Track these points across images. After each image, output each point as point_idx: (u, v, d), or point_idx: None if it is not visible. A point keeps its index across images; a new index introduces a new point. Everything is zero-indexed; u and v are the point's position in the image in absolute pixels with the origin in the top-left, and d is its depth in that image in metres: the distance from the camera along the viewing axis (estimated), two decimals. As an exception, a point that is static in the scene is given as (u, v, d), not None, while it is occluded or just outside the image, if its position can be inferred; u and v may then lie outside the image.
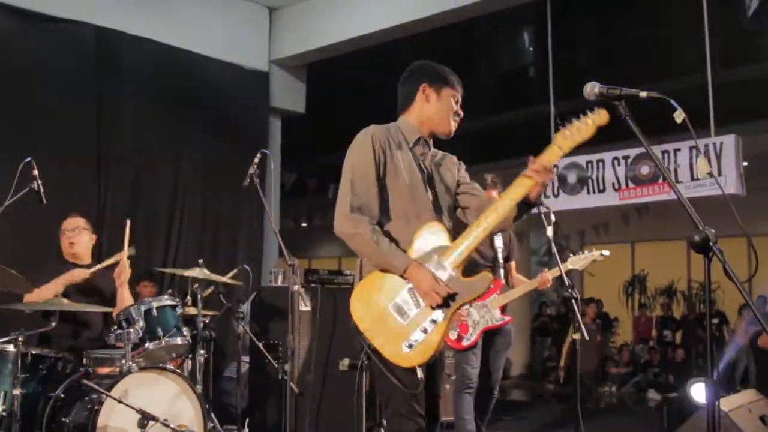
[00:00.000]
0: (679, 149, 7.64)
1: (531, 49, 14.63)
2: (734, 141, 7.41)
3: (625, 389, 14.55)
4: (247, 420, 6.93)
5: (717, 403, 2.60)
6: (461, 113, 3.78)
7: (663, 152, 7.74)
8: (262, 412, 6.71)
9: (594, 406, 12.82)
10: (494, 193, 5.94)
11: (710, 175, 2.80)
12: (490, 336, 6.39)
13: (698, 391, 5.94)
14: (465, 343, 6.30)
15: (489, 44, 16.24)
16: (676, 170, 7.65)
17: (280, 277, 6.75)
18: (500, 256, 6.45)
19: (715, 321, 14.06)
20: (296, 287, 5.88)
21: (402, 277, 3.42)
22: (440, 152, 3.87)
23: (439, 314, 3.38)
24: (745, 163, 12.68)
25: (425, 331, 3.36)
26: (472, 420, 6.33)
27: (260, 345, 6.43)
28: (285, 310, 5.98)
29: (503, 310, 6.39)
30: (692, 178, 7.50)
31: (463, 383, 6.33)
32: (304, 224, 20.77)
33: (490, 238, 6.38)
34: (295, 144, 12.01)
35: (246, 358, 7.06)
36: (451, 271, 3.42)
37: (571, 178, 8.43)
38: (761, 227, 17.00)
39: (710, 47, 8.14)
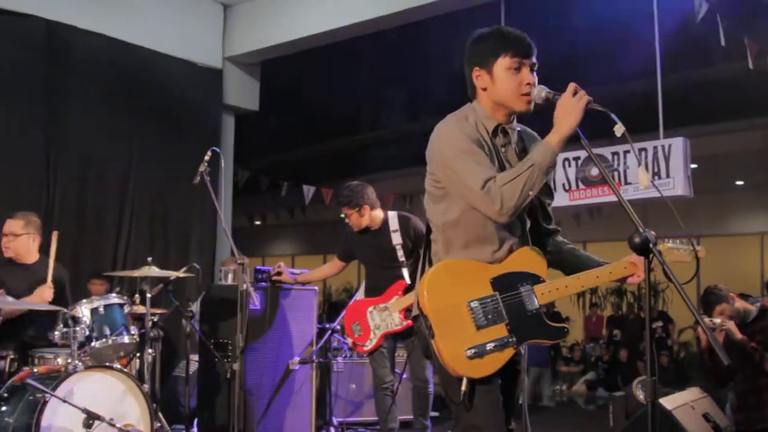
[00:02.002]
0: (628, 151, 7.72)
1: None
2: (683, 144, 7.52)
3: (576, 388, 14.69)
4: (195, 419, 6.90)
5: (656, 401, 2.64)
6: (532, 80, 3.16)
7: (613, 154, 7.82)
8: (210, 411, 6.67)
9: (544, 405, 12.93)
10: None
11: (652, 184, 2.81)
12: (404, 336, 6.28)
13: (642, 390, 6.02)
14: (366, 347, 6.27)
15: (447, 44, 16.28)
16: (625, 172, 7.74)
17: (230, 276, 6.72)
18: (399, 254, 6.31)
19: (659, 323, 14.26)
20: (246, 286, 5.86)
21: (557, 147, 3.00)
22: (528, 131, 3.42)
23: (510, 341, 3.03)
24: (695, 165, 12.94)
25: (495, 345, 2.99)
26: (394, 419, 6.33)
27: (209, 344, 6.40)
28: (234, 308, 5.94)
29: (406, 311, 6.15)
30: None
31: (376, 384, 6.34)
32: (257, 222, 20.68)
33: (388, 235, 6.36)
34: (248, 141, 11.95)
35: (195, 357, 7.02)
36: (537, 305, 3.13)
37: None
38: (710, 227, 17.30)
39: (661, 51, 8.25)
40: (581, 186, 7.96)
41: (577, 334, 17.39)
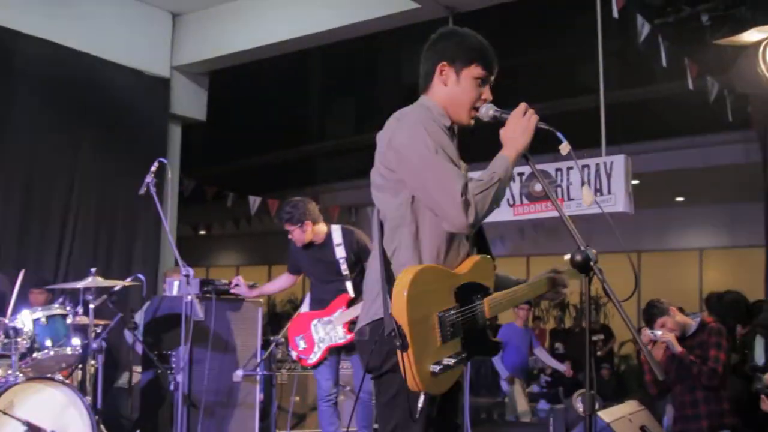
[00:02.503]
0: (571, 167, 7.84)
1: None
2: (624, 161, 7.65)
3: (518, 400, 14.80)
4: (138, 431, 6.84)
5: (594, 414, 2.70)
6: (489, 97, 3.17)
7: (557, 170, 7.92)
8: (153, 423, 6.62)
9: (486, 417, 13.01)
10: None
11: (595, 202, 2.90)
12: (349, 349, 6.28)
13: (581, 403, 6.12)
14: (310, 360, 6.29)
15: (394, 57, 16.41)
16: (568, 187, 7.84)
17: (175, 287, 6.69)
18: (343, 268, 6.31)
19: (601, 336, 14.44)
20: (190, 297, 5.84)
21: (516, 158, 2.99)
22: None
23: (463, 356, 2.92)
24: (636, 182, 13.18)
25: (455, 361, 2.86)
26: (336, 430, 6.36)
27: (153, 355, 6.36)
28: (179, 319, 5.92)
29: (349, 325, 6.19)
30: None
31: (320, 396, 6.35)
32: (202, 232, 20.53)
33: (332, 249, 6.39)
34: (195, 151, 11.91)
35: (138, 369, 6.97)
36: (485, 319, 3.04)
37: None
38: (650, 243, 17.61)
39: (605, 69, 8.41)
40: (525, 201, 8.06)
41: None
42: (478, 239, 3.27)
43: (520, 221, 8.75)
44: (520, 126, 3.02)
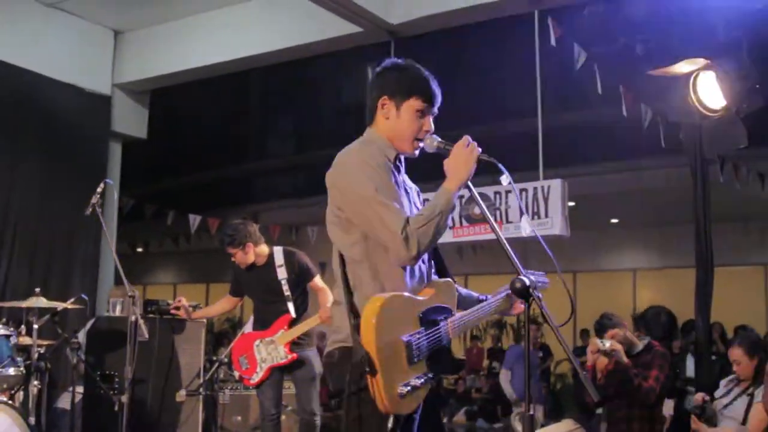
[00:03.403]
0: (510, 191, 8.01)
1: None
2: (560, 185, 7.84)
3: (456, 418, 14.94)
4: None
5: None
6: (431, 129, 3.31)
7: (495, 193, 8.08)
8: (95, 443, 6.60)
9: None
10: None
11: (534, 232, 3.02)
12: (291, 369, 6.38)
13: (519, 422, 6.24)
14: (253, 380, 6.34)
15: (336, 77, 16.51)
16: (506, 211, 8.01)
17: (118, 307, 6.68)
18: (285, 289, 6.39)
19: (539, 354, 14.64)
20: (134, 317, 5.85)
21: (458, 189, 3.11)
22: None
23: (429, 376, 3.03)
24: (572, 204, 13.44)
25: (422, 382, 2.99)
26: None
27: (96, 375, 6.35)
28: (122, 340, 5.92)
29: (291, 345, 6.31)
30: (521, 219, 7.90)
31: (263, 416, 6.38)
32: (140, 249, 20.35)
33: (273, 270, 6.45)
34: (135, 168, 11.85)
35: (81, 389, 6.93)
36: (448, 340, 3.17)
37: (411, 214, 8.69)
38: (586, 264, 17.94)
39: (543, 94, 8.62)
40: (465, 224, 8.21)
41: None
42: (435, 258, 3.40)
43: (459, 242, 8.90)
44: (462, 158, 3.14)
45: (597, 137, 12.64)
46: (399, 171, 3.33)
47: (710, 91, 6.69)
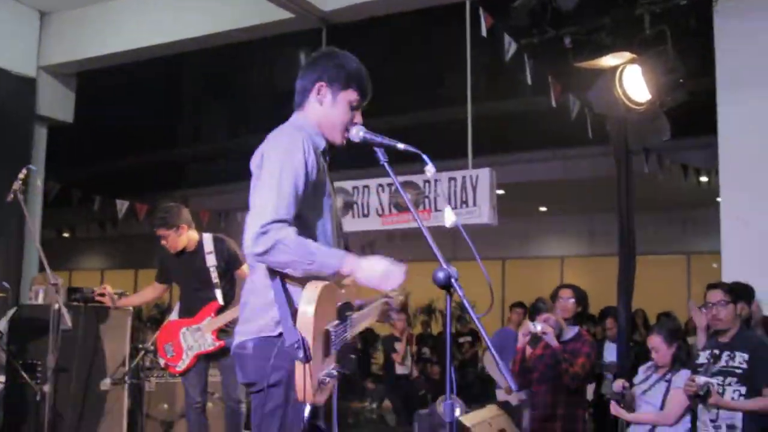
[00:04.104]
0: (438, 179, 8.06)
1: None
2: (489, 174, 7.91)
3: (385, 404, 14.99)
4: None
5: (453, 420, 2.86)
6: (359, 121, 3.30)
7: (425, 182, 8.14)
8: (17, 433, 6.48)
9: (354, 422, 13.17)
10: None
11: (456, 224, 3.03)
12: (217, 356, 6.31)
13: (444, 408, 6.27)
14: (179, 368, 6.30)
15: (268, 64, 16.37)
16: (436, 199, 8.07)
17: (40, 295, 6.56)
18: (213, 276, 6.33)
19: (468, 338, 14.78)
20: (57, 306, 5.75)
21: (339, 277, 3.03)
22: None
23: (338, 371, 3.03)
24: (502, 192, 13.59)
25: (336, 372, 3.01)
26: None
27: (17, 364, 6.23)
28: (45, 328, 5.82)
29: (218, 332, 6.24)
30: (451, 208, 7.97)
31: (188, 404, 6.36)
32: (66, 234, 19.96)
33: (203, 257, 6.39)
34: (61, 153, 11.62)
35: (2, 378, 6.79)
36: (351, 335, 3.18)
37: (338, 202, 8.70)
38: (515, 251, 18.17)
39: (474, 82, 8.68)
40: (393, 211, 8.25)
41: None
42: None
43: (389, 230, 8.94)
44: (382, 277, 3.07)
45: (527, 126, 12.80)
46: (325, 160, 3.31)
47: (636, 85, 6.82)
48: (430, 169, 3.08)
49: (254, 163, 3.18)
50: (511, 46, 8.03)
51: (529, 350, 5.95)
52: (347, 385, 15.42)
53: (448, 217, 3.15)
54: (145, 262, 22.45)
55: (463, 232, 3.06)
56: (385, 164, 3.15)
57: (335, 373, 3.00)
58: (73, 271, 24.44)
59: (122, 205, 12.08)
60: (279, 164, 3.05)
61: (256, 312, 3.12)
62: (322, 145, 3.28)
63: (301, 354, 2.82)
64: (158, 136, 16.24)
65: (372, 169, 3.15)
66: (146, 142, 15.94)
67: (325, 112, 3.28)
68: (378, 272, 3.06)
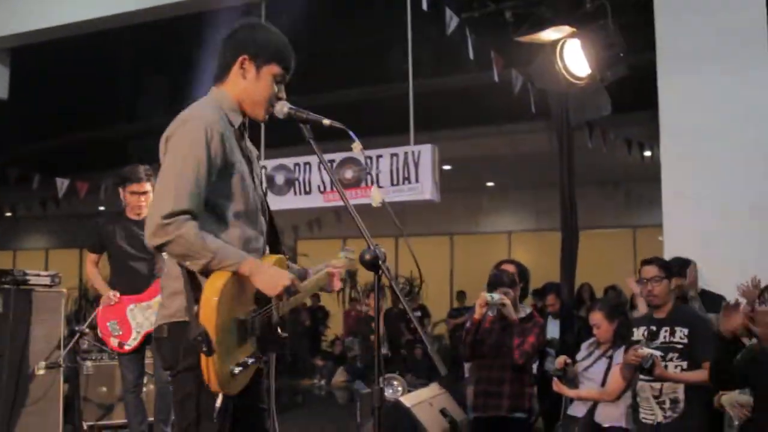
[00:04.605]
0: (381, 156, 8.00)
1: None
2: (431, 150, 7.86)
3: (335, 380, 15.02)
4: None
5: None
6: (283, 96, 3.18)
7: (366, 158, 8.07)
8: (-55, 420, 6.31)
9: (302, 399, 13.16)
10: None
11: (383, 203, 2.98)
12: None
13: (388, 387, 6.24)
14: (127, 347, 6.10)
15: (209, 38, 16.07)
16: (378, 175, 8.00)
17: (-30, 278, 6.37)
18: None
19: (418, 314, 14.81)
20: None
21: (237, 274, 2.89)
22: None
23: (258, 356, 2.97)
24: (449, 167, 13.57)
25: (252, 361, 2.94)
26: (143, 421, 6.23)
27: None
28: (-26, 312, 5.66)
29: None
30: (392, 183, 7.91)
31: (126, 387, 6.21)
32: (8, 214, 19.59)
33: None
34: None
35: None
36: (277, 317, 3.07)
37: (279, 179, 8.59)
38: (463, 226, 18.20)
39: (417, 57, 8.60)
40: (335, 188, 8.16)
41: (337, 328, 17.78)
42: (271, 235, 3.31)
43: (334, 206, 8.88)
44: (272, 282, 2.95)
45: (471, 101, 12.76)
46: (243, 137, 3.21)
47: (576, 59, 6.80)
48: (357, 145, 3.00)
49: (161, 144, 3.05)
50: (452, 20, 7.96)
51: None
52: (297, 363, 15.51)
53: (375, 197, 3.07)
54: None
55: (390, 210, 2.99)
56: (311, 141, 3.06)
57: (249, 362, 2.92)
58: (17, 251, 24.03)
59: (62, 184, 11.86)
60: (181, 151, 2.93)
61: (171, 297, 3.04)
62: (239, 121, 3.16)
63: (204, 348, 2.74)
64: (97, 113, 15.93)
65: (317, 144, 3.03)
66: (85, 119, 15.64)
67: (247, 86, 3.15)
68: (268, 276, 2.95)
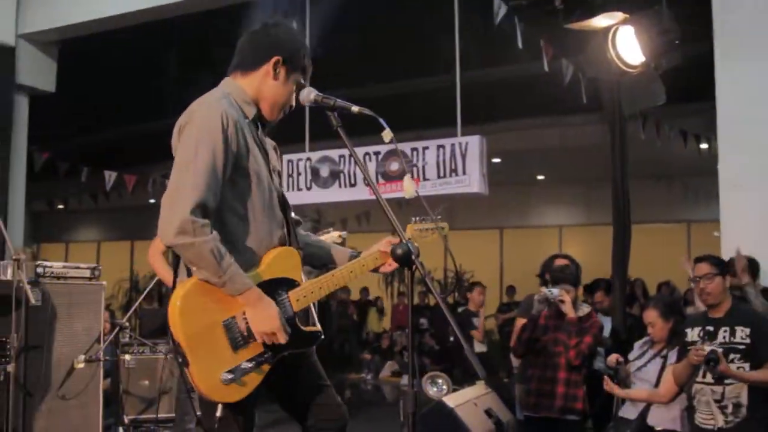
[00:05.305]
0: (427, 147, 7.85)
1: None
2: (479, 142, 7.69)
3: (382, 375, 14.94)
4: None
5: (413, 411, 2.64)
6: (294, 105, 3.17)
7: (412, 150, 7.92)
8: (-13, 413, 6.28)
9: (350, 394, 13.06)
10: None
11: (417, 193, 2.86)
12: None
13: (431, 386, 6.07)
14: None
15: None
16: (424, 167, 7.85)
17: (9, 270, 6.31)
18: None
19: (460, 309, 14.60)
20: (20, 281, 5.52)
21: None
22: None
23: (267, 356, 2.87)
24: (498, 160, 13.35)
25: (254, 364, 2.84)
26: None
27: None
28: (11, 305, 5.59)
29: None
30: (439, 176, 7.75)
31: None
32: (60, 206, 19.77)
33: None
34: (48, 123, 11.39)
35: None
36: (292, 313, 2.97)
37: (324, 171, 8.48)
38: (513, 220, 17.97)
39: (465, 48, 8.42)
40: (381, 180, 8.03)
41: (386, 322, 17.70)
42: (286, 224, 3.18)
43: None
44: (265, 322, 2.85)
45: (521, 92, 12.52)
46: (258, 127, 3.11)
47: (629, 47, 6.56)
48: (387, 133, 2.89)
49: (174, 134, 2.97)
50: (501, 9, 7.76)
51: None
52: (343, 358, 15.44)
53: (408, 189, 2.93)
54: (139, 233, 22.36)
55: (425, 202, 2.86)
56: (339, 129, 2.93)
57: (246, 366, 2.81)
58: (69, 243, 24.32)
59: (110, 176, 11.88)
60: (197, 139, 2.83)
61: None
62: (252, 113, 3.06)
63: (179, 359, 2.71)
64: (144, 106, 15.95)
65: (361, 137, 2.92)
66: (132, 112, 15.67)
67: (275, 87, 3.08)
68: (260, 317, 2.84)
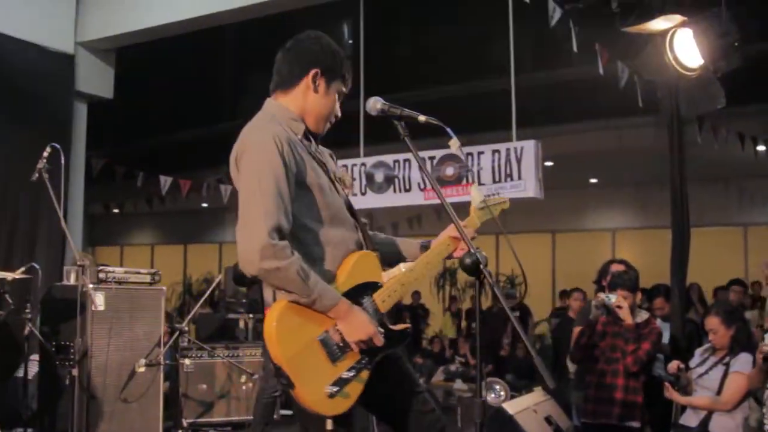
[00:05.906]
0: (482, 152, 7.83)
1: (351, 42, 14.75)
2: (534, 146, 7.66)
3: (435, 380, 14.87)
4: (36, 424, 6.61)
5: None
6: (339, 115, 3.18)
7: (468, 154, 7.90)
8: (52, 415, 6.40)
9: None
10: None
11: (484, 203, 2.86)
12: None
13: (490, 392, 6.07)
14: None
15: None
16: (479, 172, 7.83)
17: (72, 276, 6.44)
18: None
19: (516, 314, 14.51)
20: (84, 286, 5.62)
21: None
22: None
23: (365, 362, 2.90)
24: (551, 163, 13.26)
25: (354, 373, 2.87)
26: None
27: (50, 346, 6.14)
28: (76, 310, 5.70)
29: None
30: (494, 181, 7.73)
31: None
32: (115, 210, 20.06)
33: None
34: (105, 129, 11.56)
35: (36, 359, 6.73)
36: (381, 315, 2.99)
37: (379, 176, 8.50)
38: (565, 223, 17.82)
39: (519, 52, 8.39)
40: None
41: (436, 326, 17.65)
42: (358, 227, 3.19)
43: (433, 204, 8.75)
44: (362, 331, 2.88)
45: (575, 95, 12.44)
46: (310, 140, 3.12)
47: (687, 50, 6.49)
48: (454, 142, 2.89)
49: (232, 165, 2.99)
50: (555, 12, 7.71)
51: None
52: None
53: (475, 197, 2.93)
54: (194, 236, 22.61)
55: (493, 213, 2.85)
56: (406, 138, 2.95)
57: (350, 375, 2.85)
58: (124, 246, 24.65)
59: (165, 181, 12.02)
60: (257, 168, 2.84)
61: None
62: (301, 129, 3.07)
63: (284, 382, 2.73)
64: (199, 112, 16.15)
65: (416, 141, 2.93)
66: (187, 117, 15.87)
67: (317, 101, 3.09)
68: (353, 326, 2.87)
